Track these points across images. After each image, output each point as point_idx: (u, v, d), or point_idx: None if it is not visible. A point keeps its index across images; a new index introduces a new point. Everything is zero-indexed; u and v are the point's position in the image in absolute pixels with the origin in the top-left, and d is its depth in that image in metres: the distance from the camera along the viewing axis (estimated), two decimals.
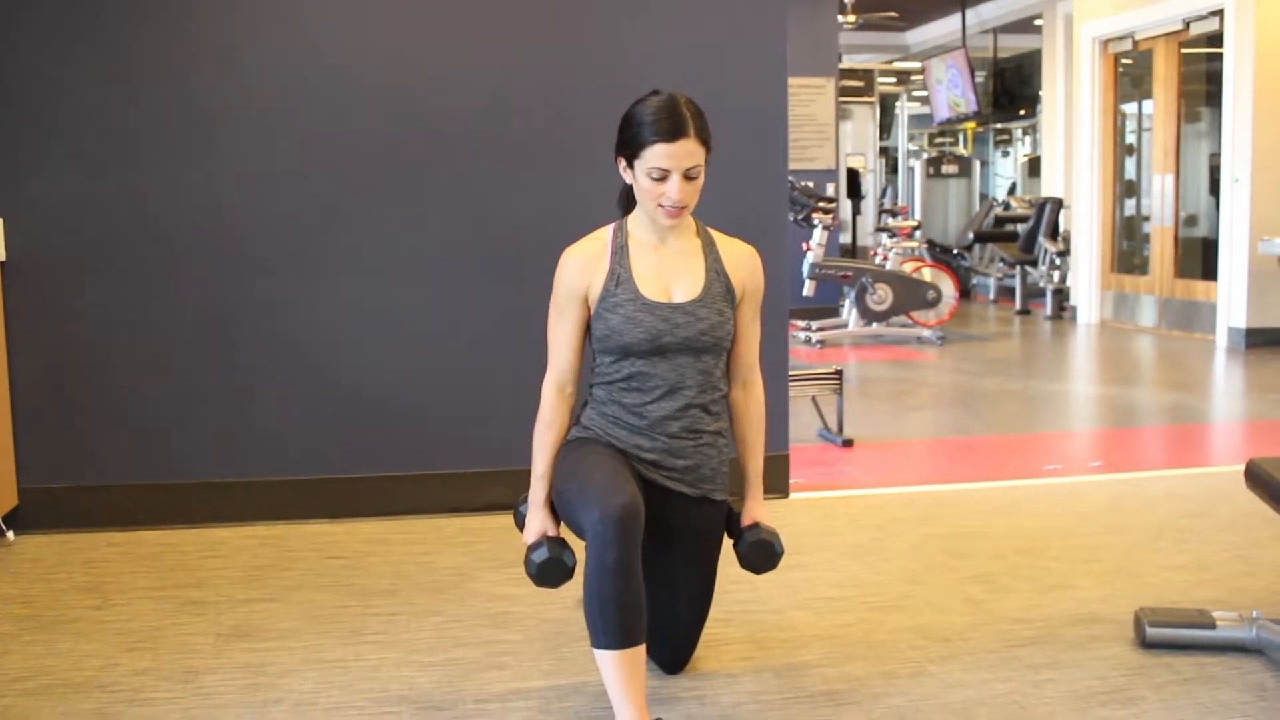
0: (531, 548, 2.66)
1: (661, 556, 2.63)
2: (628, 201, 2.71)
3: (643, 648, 2.35)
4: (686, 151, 2.51)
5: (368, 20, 4.04)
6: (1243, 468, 3.01)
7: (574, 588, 3.13)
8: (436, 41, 4.08)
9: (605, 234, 2.70)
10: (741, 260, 2.73)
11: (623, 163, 2.60)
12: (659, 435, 2.64)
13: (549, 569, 2.63)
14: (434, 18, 4.07)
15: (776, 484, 4.25)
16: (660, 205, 2.56)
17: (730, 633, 3.01)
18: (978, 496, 4.44)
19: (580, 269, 2.65)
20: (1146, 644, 2.87)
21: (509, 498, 3.28)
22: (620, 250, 2.65)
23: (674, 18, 4.19)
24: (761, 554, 2.78)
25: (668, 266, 2.66)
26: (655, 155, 2.51)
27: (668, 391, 2.62)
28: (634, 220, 2.69)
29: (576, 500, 2.48)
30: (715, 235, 2.74)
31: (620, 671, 2.32)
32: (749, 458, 2.81)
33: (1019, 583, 3.39)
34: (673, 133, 2.49)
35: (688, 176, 2.53)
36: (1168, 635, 2.86)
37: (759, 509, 2.82)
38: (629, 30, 4.17)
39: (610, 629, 2.32)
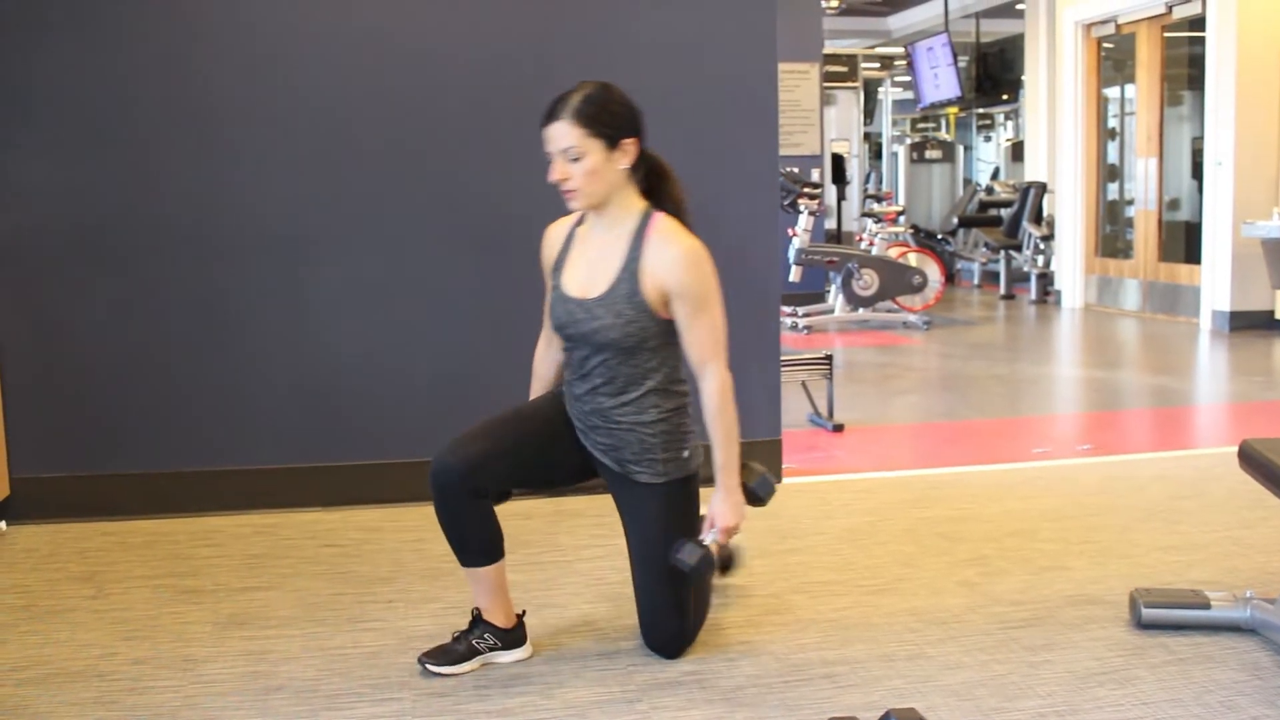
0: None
1: (625, 528, 2.82)
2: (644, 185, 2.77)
3: (484, 569, 2.71)
4: (558, 133, 2.62)
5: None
6: (1233, 450, 3.03)
7: (565, 591, 3.15)
8: (421, 22, 4.05)
9: (576, 215, 2.84)
10: (664, 260, 2.64)
11: None
12: (575, 409, 2.82)
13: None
14: None
15: (770, 469, 4.23)
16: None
17: (728, 616, 3.02)
18: (969, 480, 4.46)
19: (547, 246, 2.89)
20: (1142, 624, 2.89)
21: None
22: (570, 236, 2.82)
23: (664, 2, 4.17)
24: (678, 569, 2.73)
25: (596, 257, 2.74)
26: (544, 138, 2.66)
27: (579, 375, 2.78)
28: None
29: None
30: (656, 229, 2.67)
31: (474, 585, 2.76)
32: (714, 451, 2.75)
33: (1013, 565, 3.41)
34: (547, 115, 2.64)
35: (572, 158, 2.62)
36: (1163, 616, 2.88)
37: (718, 506, 2.74)
38: (618, 14, 4.15)
39: (455, 552, 2.73)
